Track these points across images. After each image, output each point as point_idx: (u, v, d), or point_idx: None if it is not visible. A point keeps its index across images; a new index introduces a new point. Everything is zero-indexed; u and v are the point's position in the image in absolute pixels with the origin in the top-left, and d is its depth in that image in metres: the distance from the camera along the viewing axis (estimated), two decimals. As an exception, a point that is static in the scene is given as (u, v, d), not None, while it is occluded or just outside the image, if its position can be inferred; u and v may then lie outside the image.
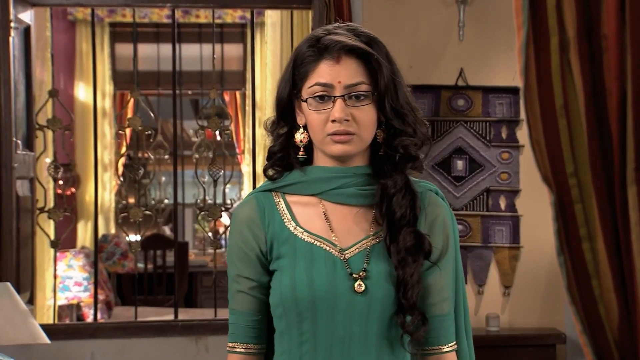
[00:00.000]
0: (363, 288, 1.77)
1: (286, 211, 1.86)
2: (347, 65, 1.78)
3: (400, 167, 1.83)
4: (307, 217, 1.84)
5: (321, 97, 1.78)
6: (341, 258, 1.80)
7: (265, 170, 1.91)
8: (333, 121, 1.77)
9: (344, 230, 1.83)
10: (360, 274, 1.78)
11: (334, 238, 1.82)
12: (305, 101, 1.80)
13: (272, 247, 1.84)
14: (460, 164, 4.62)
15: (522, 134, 4.55)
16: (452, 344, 1.88)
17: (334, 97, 1.77)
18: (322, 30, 1.84)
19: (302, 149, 1.86)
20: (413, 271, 1.78)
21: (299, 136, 1.85)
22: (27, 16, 4.46)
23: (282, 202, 1.87)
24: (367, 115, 1.79)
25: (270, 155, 1.90)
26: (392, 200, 1.81)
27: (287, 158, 1.88)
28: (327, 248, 1.81)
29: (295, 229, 1.83)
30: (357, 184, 1.84)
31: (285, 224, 1.84)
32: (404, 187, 1.82)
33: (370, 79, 1.79)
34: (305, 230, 1.83)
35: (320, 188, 1.84)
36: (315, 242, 1.82)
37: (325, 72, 1.78)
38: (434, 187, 1.92)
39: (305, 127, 1.84)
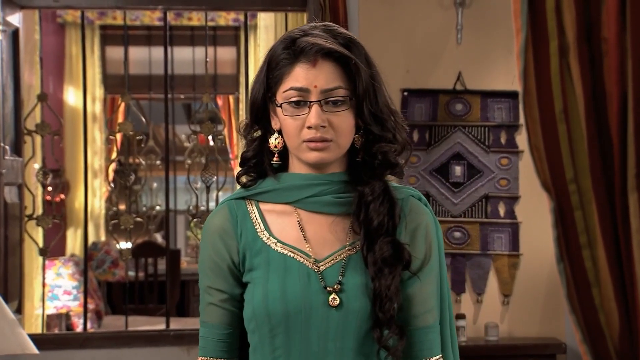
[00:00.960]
0: (337, 302, 1.73)
1: (259, 220, 1.81)
2: (324, 69, 1.73)
3: (379, 174, 1.79)
4: (281, 226, 1.80)
5: (296, 103, 1.73)
6: (315, 270, 1.76)
7: (238, 177, 1.87)
8: (309, 127, 1.73)
9: (319, 240, 1.79)
10: (335, 287, 1.74)
11: (308, 249, 1.78)
12: (280, 106, 1.76)
13: (245, 258, 1.80)
14: (458, 170, 4.63)
15: (522, 139, 4.55)
16: (438, 357, 1.83)
17: (310, 102, 1.73)
18: (297, 30, 1.79)
19: (276, 155, 1.81)
20: (390, 283, 1.73)
21: (274, 141, 1.80)
22: (15, 19, 4.46)
23: (255, 210, 1.83)
24: (344, 121, 1.74)
25: (244, 161, 1.86)
26: (369, 207, 1.76)
27: (261, 164, 1.84)
28: (301, 260, 1.77)
29: (268, 239, 1.79)
30: (334, 192, 1.79)
31: (259, 234, 1.80)
32: (382, 194, 1.78)
33: (348, 83, 1.74)
34: (279, 241, 1.78)
35: (295, 196, 1.80)
36: (289, 253, 1.77)
37: (300, 76, 1.73)
38: (417, 192, 1.88)
39: (280, 132, 1.80)
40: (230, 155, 8.64)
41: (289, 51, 1.76)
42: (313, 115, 1.72)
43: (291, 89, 1.74)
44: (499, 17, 4.53)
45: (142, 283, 7.50)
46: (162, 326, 4.83)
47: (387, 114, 1.79)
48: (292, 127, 1.75)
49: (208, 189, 4.69)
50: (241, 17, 7.40)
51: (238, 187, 1.89)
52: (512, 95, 4.61)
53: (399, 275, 1.75)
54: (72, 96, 7.74)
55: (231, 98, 8.78)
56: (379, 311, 1.72)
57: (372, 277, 1.74)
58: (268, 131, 1.83)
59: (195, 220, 4.75)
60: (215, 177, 4.80)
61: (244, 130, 1.86)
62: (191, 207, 4.99)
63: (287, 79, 1.75)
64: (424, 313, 1.81)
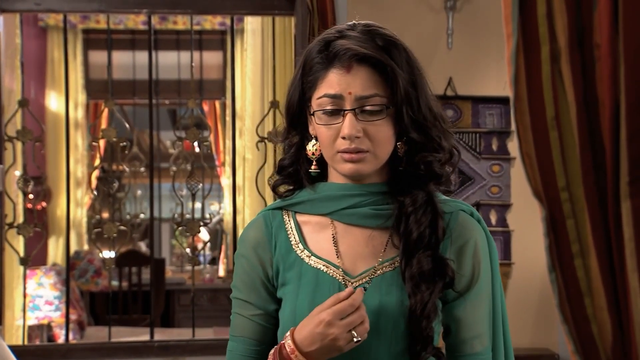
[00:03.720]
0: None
1: (295, 232, 1.75)
2: (359, 74, 1.65)
3: (422, 184, 1.71)
4: (316, 239, 1.74)
5: (330, 111, 1.66)
6: (348, 286, 1.68)
7: (274, 187, 1.82)
8: (343, 137, 1.65)
9: (355, 255, 1.71)
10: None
11: (342, 263, 1.70)
12: (313, 114, 1.69)
13: (278, 273, 1.74)
14: (449, 177, 4.64)
15: (514, 146, 4.57)
16: None
17: (344, 111, 1.64)
18: (334, 31, 1.71)
19: (314, 163, 1.74)
20: (428, 299, 1.63)
21: (311, 148, 1.73)
22: (-4, 22, 4.45)
23: (291, 221, 1.77)
24: (381, 130, 1.65)
25: (280, 170, 1.80)
26: (409, 219, 1.67)
27: (298, 173, 1.77)
28: (335, 275, 1.69)
29: (302, 252, 1.73)
30: (372, 203, 1.71)
31: (293, 246, 1.74)
32: (425, 205, 1.69)
33: (386, 90, 1.65)
34: (313, 254, 1.72)
35: (331, 207, 1.72)
36: (323, 267, 1.70)
37: (334, 82, 1.65)
38: (469, 207, 1.79)
39: (317, 138, 1.72)
40: (217, 162, 8.64)
41: (322, 55, 1.68)
42: (347, 125, 1.64)
43: (325, 95, 1.66)
44: (490, 22, 4.54)
45: (126, 293, 7.49)
46: (147, 337, 4.81)
47: (431, 121, 1.70)
48: (326, 136, 1.67)
49: (193, 196, 4.69)
50: (227, 21, 7.41)
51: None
52: (504, 100, 4.62)
53: (439, 292, 1.66)
54: (54, 102, 7.72)
55: (217, 103, 8.77)
56: (415, 330, 1.64)
57: (408, 294, 1.65)
58: (306, 137, 1.75)
59: (180, 228, 4.74)
60: (201, 184, 4.79)
61: (282, 136, 1.80)
62: (176, 215, 4.99)
63: (321, 85, 1.67)
64: (472, 339, 1.72)
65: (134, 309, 7.47)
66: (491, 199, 4.64)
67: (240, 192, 6.23)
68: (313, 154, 1.73)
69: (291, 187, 1.80)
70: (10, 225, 4.52)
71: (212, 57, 8.39)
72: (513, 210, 4.63)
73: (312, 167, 1.74)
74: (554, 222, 2.61)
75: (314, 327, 1.59)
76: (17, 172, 4.86)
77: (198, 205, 4.91)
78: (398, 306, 1.66)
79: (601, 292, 2.52)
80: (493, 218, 4.63)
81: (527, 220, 4.51)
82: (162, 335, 5.91)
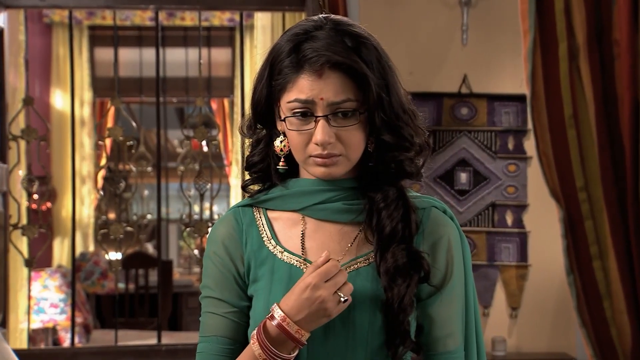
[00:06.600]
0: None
1: (266, 228, 1.77)
2: (331, 80, 1.65)
3: (393, 180, 1.73)
4: (288, 235, 1.76)
5: (303, 114, 1.66)
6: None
7: (245, 187, 1.83)
8: (316, 143, 1.66)
9: (328, 250, 1.69)
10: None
11: (315, 259, 1.70)
12: (284, 120, 1.69)
13: (250, 269, 1.75)
14: (464, 177, 4.64)
15: (530, 145, 4.56)
16: None
17: (316, 117, 1.66)
18: (302, 31, 1.70)
19: (282, 159, 1.75)
20: (404, 293, 1.65)
21: (279, 144, 1.74)
22: None
23: (262, 218, 1.79)
24: (354, 135, 1.67)
25: (250, 166, 1.82)
26: (381, 214, 1.70)
27: (269, 169, 1.79)
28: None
29: (274, 247, 1.75)
30: (344, 198, 1.73)
31: (265, 242, 1.76)
32: (397, 200, 1.71)
33: (358, 93, 1.66)
34: (286, 250, 1.74)
35: (303, 203, 1.75)
36: (296, 262, 1.72)
37: (305, 88, 1.65)
38: (441, 204, 1.79)
39: (286, 134, 1.72)
40: (225, 162, 8.65)
41: (291, 58, 1.68)
42: (319, 131, 1.65)
43: (295, 100, 1.66)
44: (507, 17, 4.54)
45: (133, 295, 7.51)
46: (154, 341, 4.83)
47: (403, 120, 1.71)
48: (298, 141, 1.69)
49: (202, 196, 4.70)
50: (236, 17, 7.43)
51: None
52: (520, 98, 4.61)
53: (415, 285, 1.68)
54: (59, 100, 7.75)
55: (226, 101, 8.79)
56: (392, 324, 1.66)
57: (384, 288, 1.67)
58: (273, 132, 1.76)
59: (188, 229, 4.75)
60: (209, 184, 4.80)
61: (247, 130, 1.81)
62: (184, 216, 5.00)
63: (291, 89, 1.68)
64: (445, 337, 1.74)
65: (141, 312, 7.49)
66: (507, 199, 4.64)
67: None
68: (281, 150, 1.75)
69: (261, 186, 1.82)
70: (15, 226, 4.54)
71: (220, 54, 8.41)
72: (530, 211, 4.63)
73: (280, 163, 1.76)
74: (572, 223, 2.61)
75: (301, 293, 1.61)
76: (22, 172, 4.88)
77: (206, 205, 4.93)
78: (374, 301, 1.68)
79: (620, 295, 2.52)
80: (509, 219, 4.63)
81: (544, 221, 4.51)
82: (170, 338, 5.92)
